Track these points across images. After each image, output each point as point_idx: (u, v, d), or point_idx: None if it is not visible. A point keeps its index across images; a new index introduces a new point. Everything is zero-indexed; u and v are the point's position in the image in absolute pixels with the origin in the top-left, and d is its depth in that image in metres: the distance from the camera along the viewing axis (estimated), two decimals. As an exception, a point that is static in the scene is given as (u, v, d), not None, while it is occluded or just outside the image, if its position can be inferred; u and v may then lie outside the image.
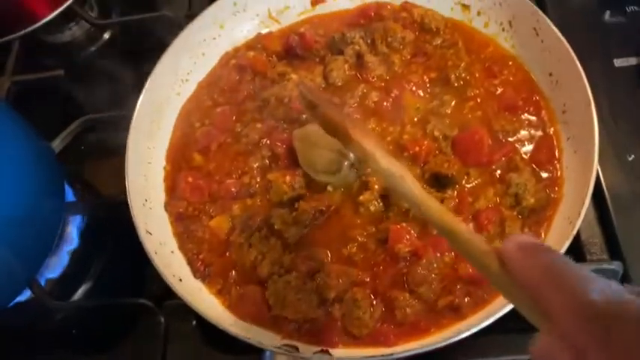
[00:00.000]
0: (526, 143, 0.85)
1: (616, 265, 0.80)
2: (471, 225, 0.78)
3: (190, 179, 0.88)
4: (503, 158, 0.83)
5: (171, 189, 0.89)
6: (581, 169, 0.78)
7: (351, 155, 0.79)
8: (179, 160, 0.92)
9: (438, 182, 0.82)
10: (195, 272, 0.82)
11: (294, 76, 0.93)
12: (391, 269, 0.78)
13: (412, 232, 0.79)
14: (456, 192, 0.81)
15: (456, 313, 0.74)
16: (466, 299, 0.75)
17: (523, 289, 0.42)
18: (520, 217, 0.79)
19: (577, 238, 0.83)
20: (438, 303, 0.75)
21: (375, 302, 0.76)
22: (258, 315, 0.78)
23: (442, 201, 0.80)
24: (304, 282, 0.78)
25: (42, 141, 0.97)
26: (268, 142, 0.88)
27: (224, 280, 0.81)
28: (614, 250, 0.83)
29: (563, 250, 0.70)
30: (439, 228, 0.52)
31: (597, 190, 0.85)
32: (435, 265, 0.76)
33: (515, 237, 0.45)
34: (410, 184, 0.57)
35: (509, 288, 0.43)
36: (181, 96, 0.97)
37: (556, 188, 0.80)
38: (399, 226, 0.79)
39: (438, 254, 0.77)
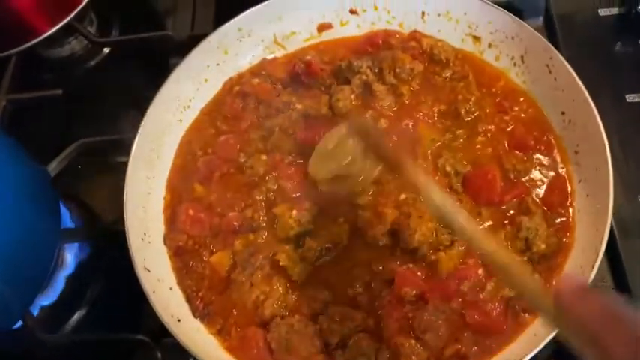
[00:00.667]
0: (538, 184, 0.82)
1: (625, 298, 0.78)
2: (480, 270, 0.76)
3: (191, 212, 0.85)
4: (515, 199, 0.81)
5: (171, 221, 0.86)
6: (594, 215, 0.76)
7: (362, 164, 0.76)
8: (179, 190, 0.89)
9: None
10: (195, 311, 0.79)
11: (298, 106, 0.91)
12: (397, 312, 0.75)
13: (419, 274, 0.77)
14: None
15: None
16: (474, 348, 0.73)
17: (581, 328, 0.46)
18: (531, 262, 0.77)
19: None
20: (445, 351, 0.72)
21: (379, 348, 0.74)
22: (260, 359, 0.75)
23: (452, 243, 0.78)
24: (307, 325, 0.75)
25: (37, 165, 0.94)
26: (274, 174, 0.86)
27: (224, 320, 0.78)
28: (621, 283, 0.82)
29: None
30: (494, 263, 0.56)
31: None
32: (441, 311, 0.74)
33: (568, 278, 0.53)
34: (464, 219, 0.59)
35: (565, 325, 0.48)
36: (183, 123, 0.94)
37: (567, 233, 0.78)
38: (405, 268, 0.77)
39: (445, 299, 0.75)
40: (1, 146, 0.84)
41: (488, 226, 0.80)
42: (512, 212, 0.81)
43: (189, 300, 0.80)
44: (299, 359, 0.73)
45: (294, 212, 0.81)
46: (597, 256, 0.70)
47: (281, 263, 0.79)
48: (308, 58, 0.95)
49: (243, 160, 0.89)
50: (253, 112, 0.93)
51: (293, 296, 0.78)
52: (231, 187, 0.88)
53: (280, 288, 0.78)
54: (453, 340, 0.73)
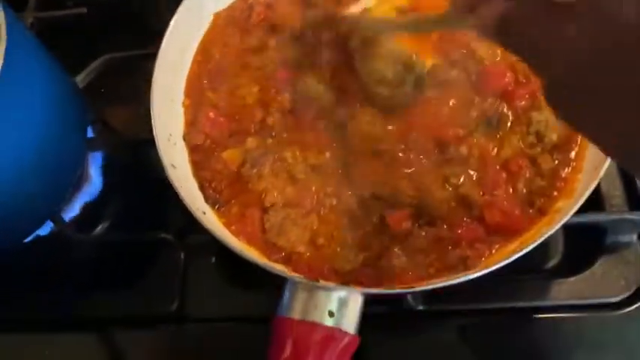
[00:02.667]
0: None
1: (636, 216, 0.80)
2: (504, 175, 0.77)
3: (211, 114, 0.87)
4: (527, 95, 0.80)
5: (191, 122, 0.88)
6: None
7: (418, 70, 0.78)
8: (196, 94, 0.91)
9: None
10: (207, 198, 0.82)
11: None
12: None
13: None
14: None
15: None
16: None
17: None
18: (545, 154, 0.77)
19: (597, 190, 0.83)
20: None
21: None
22: (252, 236, 0.78)
23: None
24: (304, 217, 0.78)
25: (67, 75, 0.97)
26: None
27: (232, 206, 0.81)
28: (634, 203, 0.84)
29: (585, 196, 0.71)
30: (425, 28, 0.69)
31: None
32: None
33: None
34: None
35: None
36: (205, 28, 0.96)
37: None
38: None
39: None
40: (33, 51, 0.86)
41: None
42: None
43: (201, 188, 0.83)
44: (287, 243, 0.76)
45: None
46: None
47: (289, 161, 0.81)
48: None
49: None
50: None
51: (294, 188, 0.80)
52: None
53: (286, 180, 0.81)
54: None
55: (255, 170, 0.81)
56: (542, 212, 0.74)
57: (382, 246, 0.75)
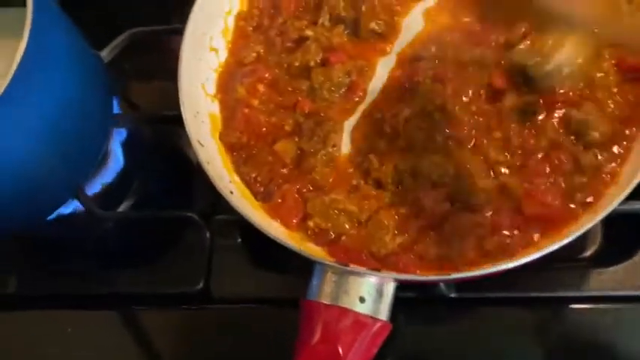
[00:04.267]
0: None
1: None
2: (545, 166, 0.72)
3: (247, 111, 0.84)
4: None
5: (228, 118, 0.85)
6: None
7: None
8: (227, 88, 0.88)
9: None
10: (256, 194, 0.79)
11: None
12: None
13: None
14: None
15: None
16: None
17: None
18: (590, 152, 0.73)
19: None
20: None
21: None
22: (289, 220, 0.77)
23: None
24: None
25: (91, 49, 0.95)
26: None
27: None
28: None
29: (631, 188, 0.67)
30: None
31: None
32: None
33: None
34: None
35: None
36: (232, 13, 0.92)
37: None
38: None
39: None
40: (59, 24, 0.84)
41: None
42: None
43: (248, 185, 0.80)
44: (329, 226, 0.75)
45: None
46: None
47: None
48: None
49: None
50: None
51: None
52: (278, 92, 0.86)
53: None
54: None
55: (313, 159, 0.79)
56: (584, 207, 0.70)
57: (418, 230, 0.72)
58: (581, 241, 0.82)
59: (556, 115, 0.75)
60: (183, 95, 0.80)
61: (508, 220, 0.70)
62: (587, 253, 0.82)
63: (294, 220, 0.77)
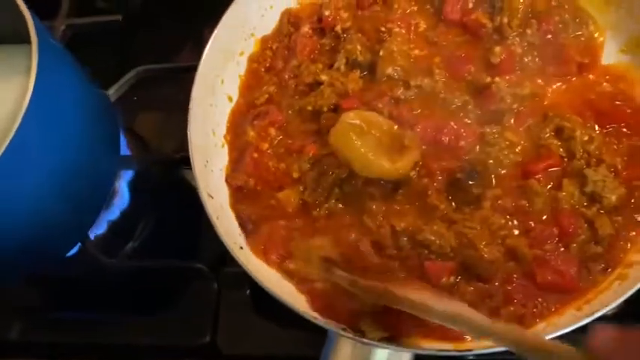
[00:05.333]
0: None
1: None
2: (554, 230, 0.70)
3: (256, 155, 0.82)
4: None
5: (236, 161, 0.83)
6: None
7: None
8: (238, 130, 0.86)
9: None
10: (245, 229, 0.78)
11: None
12: None
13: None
14: None
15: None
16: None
17: None
18: (604, 215, 0.70)
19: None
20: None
21: None
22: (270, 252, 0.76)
23: None
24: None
25: (98, 89, 0.93)
26: None
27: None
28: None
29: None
30: (518, 350, 0.52)
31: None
32: None
33: (599, 330, 0.45)
34: (470, 316, 0.57)
35: None
36: (244, 55, 0.91)
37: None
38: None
39: None
40: (65, 66, 0.82)
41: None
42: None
43: (240, 221, 0.78)
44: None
45: None
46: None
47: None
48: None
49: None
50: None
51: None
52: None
53: None
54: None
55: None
56: (600, 278, 0.67)
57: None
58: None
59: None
60: (193, 146, 0.77)
61: (520, 289, 0.67)
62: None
63: (274, 257, 0.75)
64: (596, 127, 0.75)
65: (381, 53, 0.83)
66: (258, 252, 0.76)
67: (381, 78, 0.83)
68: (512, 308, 0.66)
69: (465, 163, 0.74)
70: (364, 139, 0.72)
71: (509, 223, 0.71)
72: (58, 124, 0.77)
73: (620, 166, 0.73)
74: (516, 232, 0.71)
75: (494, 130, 0.75)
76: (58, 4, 1.07)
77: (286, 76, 0.88)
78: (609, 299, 0.63)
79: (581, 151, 0.73)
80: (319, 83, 0.84)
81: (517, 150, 0.75)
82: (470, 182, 0.73)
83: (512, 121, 0.77)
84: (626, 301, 0.76)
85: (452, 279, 0.69)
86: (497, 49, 0.78)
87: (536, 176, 0.74)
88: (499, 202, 0.73)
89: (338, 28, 0.88)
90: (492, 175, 0.74)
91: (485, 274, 0.68)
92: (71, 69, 0.84)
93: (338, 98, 0.82)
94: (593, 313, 0.62)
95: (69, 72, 0.83)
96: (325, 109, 0.82)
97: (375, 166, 0.72)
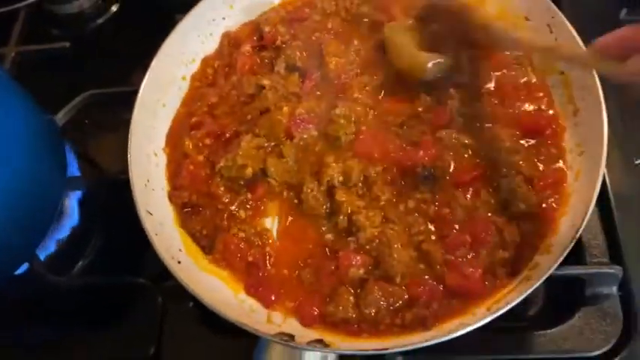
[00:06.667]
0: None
1: (616, 270, 0.80)
2: (467, 237, 0.76)
3: (192, 167, 0.87)
4: None
5: (174, 175, 0.87)
6: (587, 172, 0.77)
7: None
8: (176, 144, 0.90)
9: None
10: (203, 248, 0.83)
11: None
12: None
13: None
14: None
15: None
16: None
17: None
18: (512, 221, 0.77)
19: (579, 240, 0.82)
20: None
21: None
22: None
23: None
24: None
25: (45, 114, 0.96)
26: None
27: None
28: (615, 254, 0.83)
29: (564, 254, 0.70)
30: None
31: (602, 192, 0.83)
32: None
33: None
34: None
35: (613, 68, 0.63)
36: (187, 79, 0.96)
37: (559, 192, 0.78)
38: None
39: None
40: (10, 93, 0.85)
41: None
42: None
43: (195, 241, 0.83)
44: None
45: None
46: (587, 211, 0.71)
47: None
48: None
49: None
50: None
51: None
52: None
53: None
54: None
55: None
56: (503, 282, 0.73)
57: (331, 287, 0.75)
58: (523, 302, 0.83)
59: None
60: (133, 167, 0.82)
61: (428, 292, 0.73)
62: (529, 313, 0.84)
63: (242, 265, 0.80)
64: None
65: None
66: (222, 266, 0.81)
67: None
68: (415, 310, 0.72)
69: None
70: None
71: (428, 228, 0.77)
72: (4, 148, 0.80)
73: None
74: (433, 237, 0.76)
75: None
76: (9, 32, 1.11)
77: (227, 89, 0.93)
78: (513, 298, 0.69)
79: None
80: (262, 87, 0.90)
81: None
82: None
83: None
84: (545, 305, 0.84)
85: (362, 271, 0.75)
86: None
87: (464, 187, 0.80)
88: (422, 205, 0.79)
89: (278, 41, 0.94)
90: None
91: (391, 273, 0.73)
92: (16, 96, 0.87)
93: (280, 100, 0.88)
94: (498, 310, 0.68)
95: (14, 99, 0.86)
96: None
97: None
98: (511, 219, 0.76)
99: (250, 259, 0.80)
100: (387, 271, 0.73)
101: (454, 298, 0.72)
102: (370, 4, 0.95)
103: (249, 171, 0.83)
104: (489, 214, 0.77)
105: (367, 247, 0.76)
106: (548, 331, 0.81)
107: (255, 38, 0.97)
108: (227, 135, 0.88)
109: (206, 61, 0.97)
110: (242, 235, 0.82)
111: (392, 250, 0.73)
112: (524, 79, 0.88)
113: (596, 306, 0.81)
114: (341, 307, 0.73)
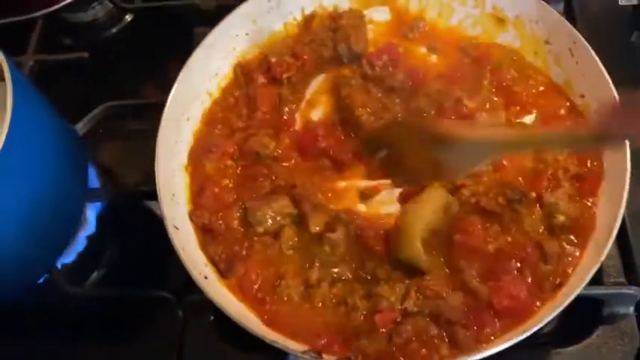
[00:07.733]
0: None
1: (634, 290, 0.82)
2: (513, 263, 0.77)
3: (216, 190, 0.87)
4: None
5: (197, 195, 0.87)
6: (611, 196, 0.79)
7: None
8: (198, 162, 0.90)
9: None
10: (221, 272, 0.82)
11: None
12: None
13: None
14: None
15: None
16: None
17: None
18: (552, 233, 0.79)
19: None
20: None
21: None
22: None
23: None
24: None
25: (66, 124, 0.96)
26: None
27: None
28: (631, 275, 0.85)
29: (589, 277, 0.72)
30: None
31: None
32: None
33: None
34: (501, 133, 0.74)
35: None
36: (211, 94, 0.96)
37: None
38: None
39: None
40: (32, 100, 0.85)
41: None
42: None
43: (214, 263, 0.83)
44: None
45: None
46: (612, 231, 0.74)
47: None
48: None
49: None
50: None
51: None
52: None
53: None
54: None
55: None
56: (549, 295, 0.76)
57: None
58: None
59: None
60: (160, 178, 0.82)
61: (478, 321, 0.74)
62: (545, 330, 0.85)
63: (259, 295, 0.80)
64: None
65: None
66: (236, 292, 0.81)
67: None
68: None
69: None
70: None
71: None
72: (30, 159, 0.80)
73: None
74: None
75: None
76: (26, 41, 1.10)
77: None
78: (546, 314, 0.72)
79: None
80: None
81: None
82: None
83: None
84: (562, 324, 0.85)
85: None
86: None
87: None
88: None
89: (285, 75, 0.94)
90: None
91: (453, 319, 0.74)
92: (41, 104, 0.87)
93: None
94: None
95: (40, 107, 0.86)
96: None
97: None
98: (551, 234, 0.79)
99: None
100: (446, 317, 0.74)
101: (504, 320, 0.74)
102: None
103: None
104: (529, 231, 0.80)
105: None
106: (567, 349, 0.83)
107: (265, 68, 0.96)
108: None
109: (227, 90, 0.97)
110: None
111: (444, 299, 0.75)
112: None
113: (613, 325, 0.83)
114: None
